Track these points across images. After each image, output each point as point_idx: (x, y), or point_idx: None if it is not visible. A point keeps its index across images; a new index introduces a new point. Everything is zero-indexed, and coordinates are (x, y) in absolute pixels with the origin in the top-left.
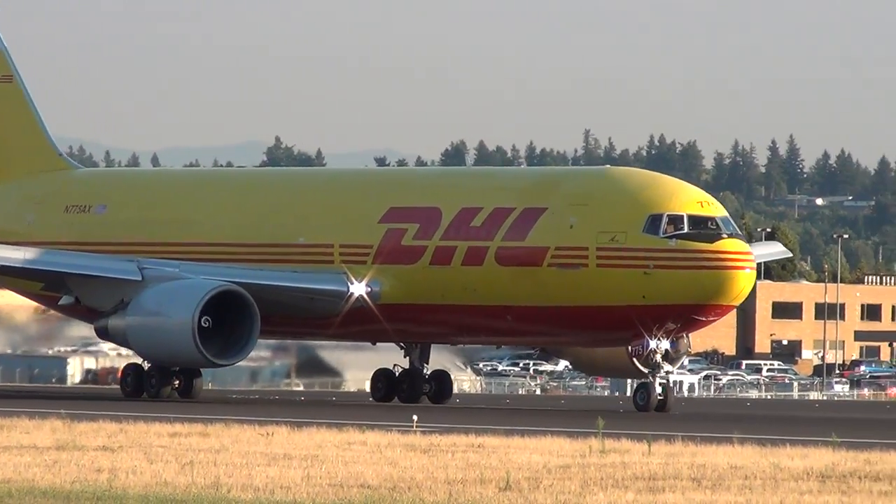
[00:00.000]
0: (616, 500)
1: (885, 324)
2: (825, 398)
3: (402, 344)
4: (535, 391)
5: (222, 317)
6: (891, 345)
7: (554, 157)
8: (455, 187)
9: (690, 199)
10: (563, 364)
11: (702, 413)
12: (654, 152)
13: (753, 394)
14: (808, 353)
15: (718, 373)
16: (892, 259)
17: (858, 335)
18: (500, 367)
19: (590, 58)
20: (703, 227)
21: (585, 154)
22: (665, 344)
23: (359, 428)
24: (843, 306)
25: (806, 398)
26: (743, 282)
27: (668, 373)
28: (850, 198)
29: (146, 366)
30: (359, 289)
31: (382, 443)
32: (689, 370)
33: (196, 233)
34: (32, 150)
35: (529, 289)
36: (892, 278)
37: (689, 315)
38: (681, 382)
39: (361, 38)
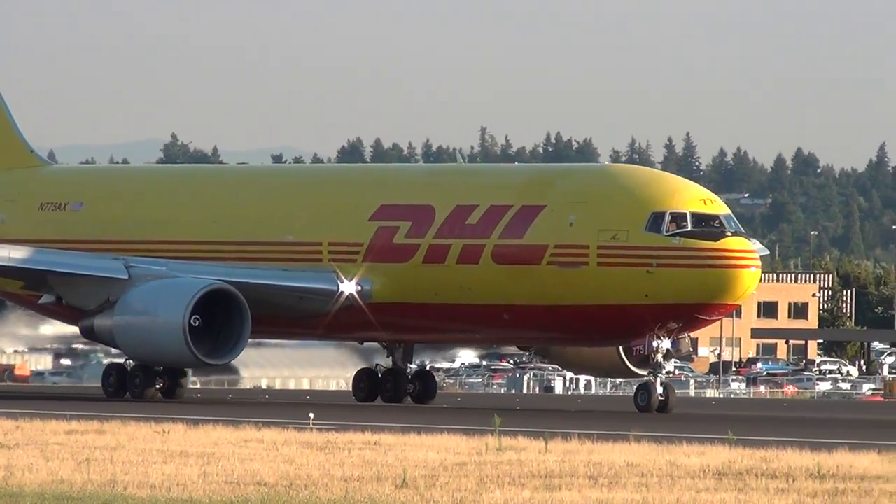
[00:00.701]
0: (512, 498)
1: (782, 321)
2: (721, 396)
3: (384, 343)
4: None
5: (211, 316)
6: (787, 342)
7: (450, 153)
8: (449, 184)
9: (693, 197)
10: (459, 362)
11: (600, 411)
12: (550, 149)
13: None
14: (704, 351)
15: None
16: (789, 257)
17: (755, 332)
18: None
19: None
20: (707, 225)
21: (482, 151)
22: (666, 343)
23: (255, 426)
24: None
25: (702, 396)
26: (748, 280)
27: (669, 373)
28: (747, 195)
29: (129, 366)
30: (349, 287)
31: (279, 440)
32: None
33: (178, 231)
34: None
35: (527, 288)
36: (789, 276)
37: (692, 314)
38: (577, 380)
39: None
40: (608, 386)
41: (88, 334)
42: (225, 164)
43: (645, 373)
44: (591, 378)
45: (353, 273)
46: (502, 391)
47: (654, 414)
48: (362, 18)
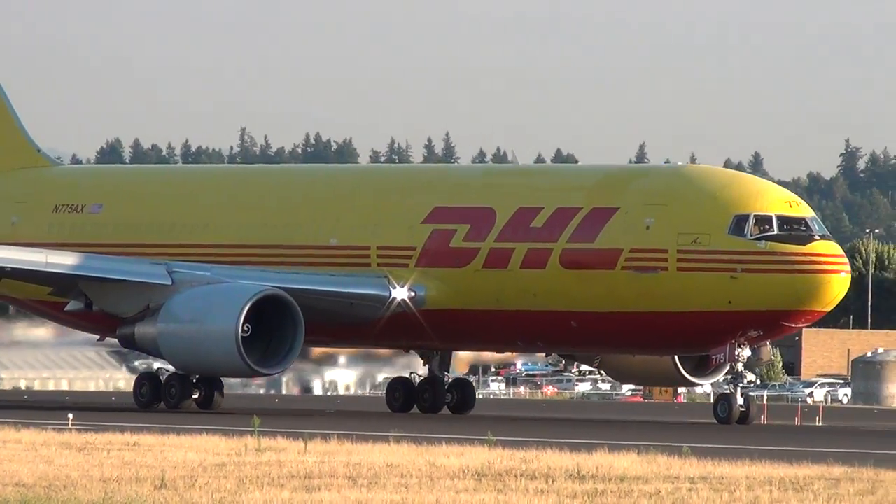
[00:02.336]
0: (272, 499)
1: None
2: (481, 396)
3: (421, 351)
4: None
5: (260, 323)
6: None
7: (209, 154)
8: (509, 186)
9: (778, 199)
10: None
11: (359, 412)
12: (309, 150)
13: None
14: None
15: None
16: None
17: None
18: None
19: (243, 55)
20: (794, 229)
21: (242, 152)
22: (747, 352)
23: (14, 426)
24: None
25: None
26: (838, 286)
27: (750, 383)
28: None
29: (163, 376)
30: (401, 293)
31: (38, 441)
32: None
33: (214, 234)
34: (6, 146)
35: (599, 294)
36: None
37: (777, 321)
38: (336, 383)
39: (14, 32)
40: (367, 387)
41: (128, 343)
42: (264, 165)
43: (700, 381)
44: (351, 381)
45: (406, 278)
46: (261, 392)
47: (412, 416)
48: (123, 19)
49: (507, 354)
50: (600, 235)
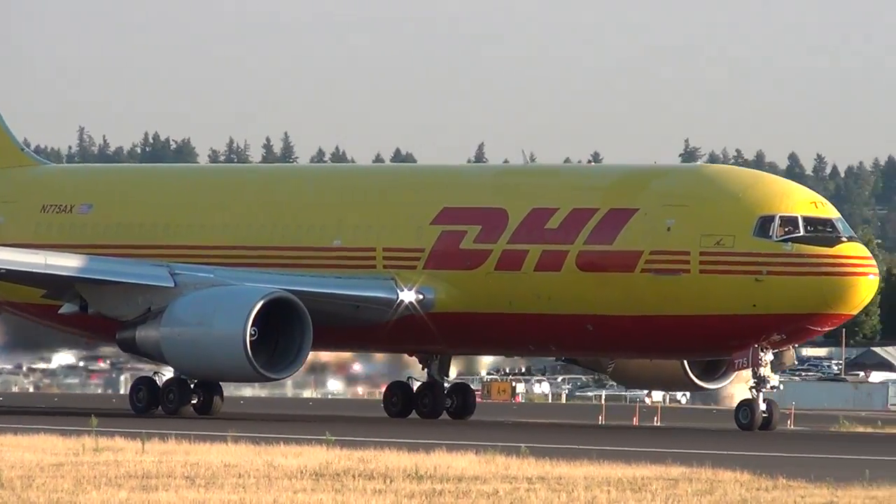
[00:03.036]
0: (109, 499)
1: None
2: (320, 396)
3: (418, 355)
4: (28, 389)
5: (266, 327)
6: None
7: (48, 153)
8: (522, 186)
9: (804, 200)
10: (56, 362)
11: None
12: (148, 149)
13: (247, 392)
14: None
15: None
16: None
17: None
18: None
19: (81, 54)
20: (821, 230)
21: (80, 151)
22: (769, 356)
23: None
24: None
25: (300, 396)
26: (866, 289)
27: (773, 387)
28: None
29: (160, 380)
30: (409, 296)
31: None
32: None
33: (209, 236)
34: None
35: (617, 297)
36: None
37: (803, 325)
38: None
39: None
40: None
41: (128, 347)
42: (260, 164)
43: (709, 386)
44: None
45: (414, 280)
46: (99, 391)
47: (250, 414)
48: None
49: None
50: (619, 237)
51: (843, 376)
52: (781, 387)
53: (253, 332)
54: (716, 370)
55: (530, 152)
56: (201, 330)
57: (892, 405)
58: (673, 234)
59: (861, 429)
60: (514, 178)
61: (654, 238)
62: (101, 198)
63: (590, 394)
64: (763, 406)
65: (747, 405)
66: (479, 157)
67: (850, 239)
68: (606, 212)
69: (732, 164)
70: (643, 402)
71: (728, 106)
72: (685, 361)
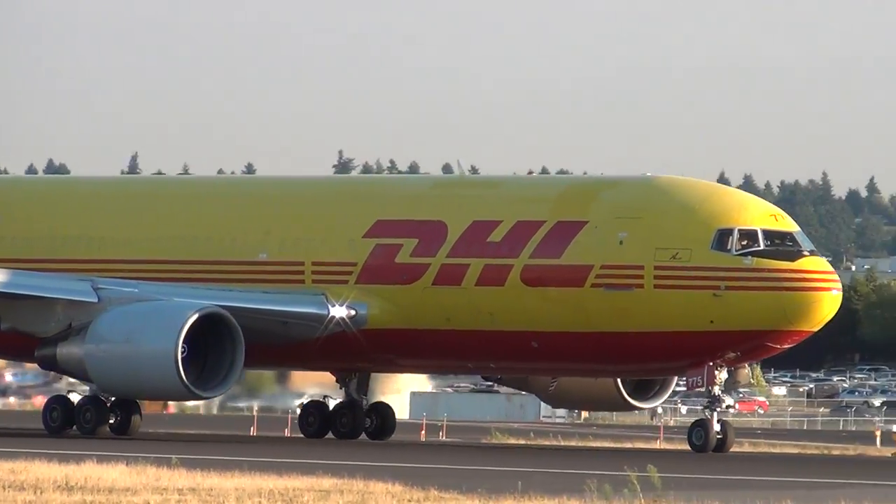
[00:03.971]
0: None
1: None
2: None
3: (336, 373)
4: None
5: (194, 344)
6: None
7: None
8: (461, 198)
9: (763, 212)
10: None
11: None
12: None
13: None
14: None
15: None
16: None
17: None
18: None
19: None
20: (781, 244)
21: None
22: (724, 374)
23: None
24: None
25: None
26: (829, 305)
27: (728, 407)
28: None
29: (75, 399)
30: (340, 312)
31: None
32: None
33: (128, 249)
34: None
35: (565, 312)
36: None
37: (762, 342)
38: None
39: None
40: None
41: (48, 364)
42: (188, 175)
43: (642, 405)
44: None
45: (345, 296)
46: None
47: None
48: None
49: None
50: (567, 250)
51: (496, 388)
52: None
53: (183, 349)
54: (649, 389)
55: (470, 164)
56: (129, 347)
57: (544, 417)
58: (625, 247)
59: (513, 440)
60: (452, 189)
61: (605, 252)
62: (9, 210)
63: (241, 405)
64: (717, 427)
65: (701, 426)
66: (133, 167)
67: (811, 253)
68: (553, 224)
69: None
70: (295, 412)
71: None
72: (619, 380)
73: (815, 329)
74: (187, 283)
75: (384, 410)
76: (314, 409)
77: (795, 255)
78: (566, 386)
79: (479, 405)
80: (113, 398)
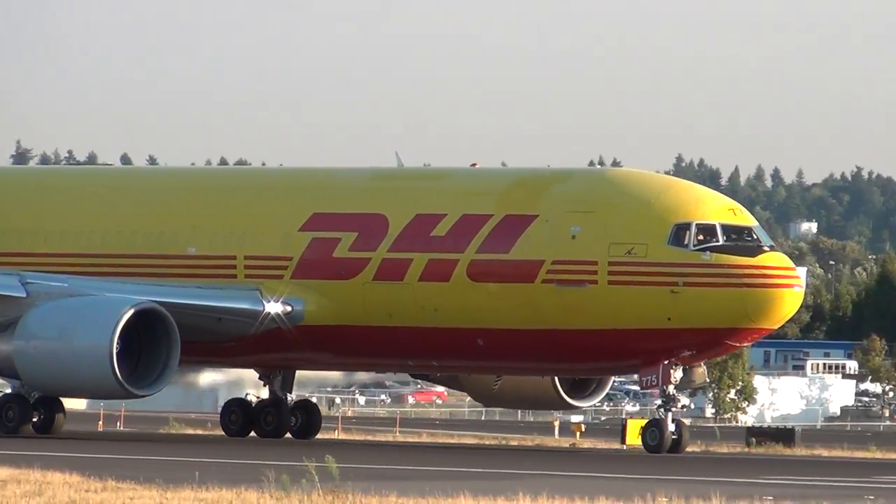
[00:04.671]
0: None
1: None
2: None
3: (258, 369)
4: None
5: (129, 340)
6: None
7: None
8: (403, 190)
9: (721, 206)
10: None
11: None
12: None
13: None
14: None
15: None
16: None
17: None
18: None
19: None
20: (740, 239)
21: None
22: (679, 373)
23: None
24: None
25: None
26: (790, 302)
27: (683, 407)
28: None
29: None
30: (275, 307)
31: None
32: None
33: (54, 243)
34: None
35: (514, 309)
36: None
37: (721, 340)
38: None
39: None
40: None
41: None
42: (117, 166)
43: (579, 404)
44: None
45: (280, 291)
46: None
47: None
48: None
49: None
50: (517, 245)
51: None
52: None
53: (117, 346)
54: (585, 387)
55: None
56: (61, 343)
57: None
58: (578, 242)
59: (191, 430)
60: (393, 181)
61: (556, 246)
62: None
63: None
64: (672, 427)
65: (655, 426)
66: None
67: (771, 248)
68: (501, 218)
69: None
70: None
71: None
72: (556, 378)
73: (776, 327)
74: (117, 278)
75: (309, 408)
76: (237, 407)
77: (756, 250)
78: (502, 384)
79: (156, 395)
80: (37, 396)
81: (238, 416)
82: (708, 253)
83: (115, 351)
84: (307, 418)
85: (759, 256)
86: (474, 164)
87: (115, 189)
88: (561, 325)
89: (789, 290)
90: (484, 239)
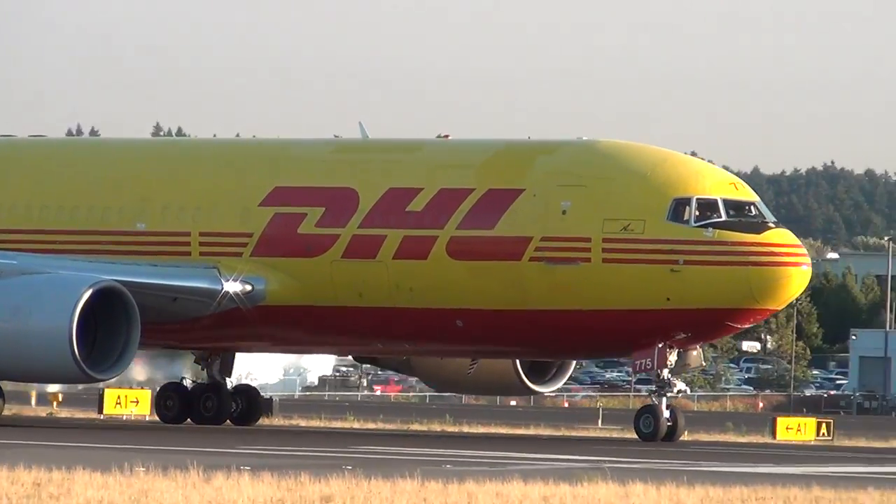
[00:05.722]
0: None
1: None
2: None
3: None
4: None
5: (84, 321)
6: None
7: None
8: (374, 163)
9: (722, 180)
10: None
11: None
12: None
13: None
14: None
15: None
16: None
17: None
18: None
19: None
20: (743, 215)
21: None
22: (674, 356)
23: None
24: None
25: None
26: (798, 280)
27: (680, 392)
28: None
29: None
30: (233, 287)
31: None
32: None
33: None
34: None
35: (499, 288)
36: None
37: (722, 321)
38: None
39: None
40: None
41: None
42: (62, 137)
43: (540, 389)
44: None
45: (240, 269)
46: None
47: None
48: None
49: None
50: (501, 221)
51: None
52: None
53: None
54: (546, 371)
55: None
56: (15, 324)
57: None
58: (569, 217)
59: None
60: (362, 154)
61: (545, 223)
62: None
63: None
64: (667, 413)
65: (650, 412)
66: None
67: (776, 224)
68: (484, 192)
69: None
70: None
71: None
72: (517, 362)
73: (781, 307)
74: (66, 255)
75: (250, 393)
76: (172, 392)
77: (761, 226)
78: (454, 367)
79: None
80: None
81: (174, 401)
82: (710, 229)
83: (74, 332)
84: (248, 404)
85: (765, 233)
86: (446, 136)
87: (56, 160)
88: (549, 305)
89: (797, 268)
90: (465, 214)
